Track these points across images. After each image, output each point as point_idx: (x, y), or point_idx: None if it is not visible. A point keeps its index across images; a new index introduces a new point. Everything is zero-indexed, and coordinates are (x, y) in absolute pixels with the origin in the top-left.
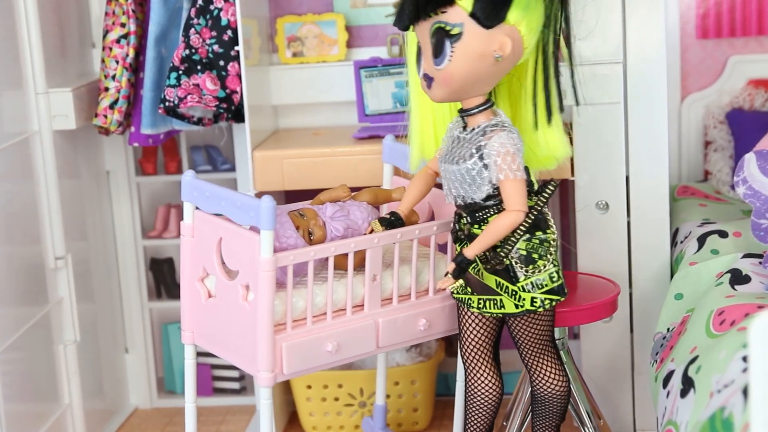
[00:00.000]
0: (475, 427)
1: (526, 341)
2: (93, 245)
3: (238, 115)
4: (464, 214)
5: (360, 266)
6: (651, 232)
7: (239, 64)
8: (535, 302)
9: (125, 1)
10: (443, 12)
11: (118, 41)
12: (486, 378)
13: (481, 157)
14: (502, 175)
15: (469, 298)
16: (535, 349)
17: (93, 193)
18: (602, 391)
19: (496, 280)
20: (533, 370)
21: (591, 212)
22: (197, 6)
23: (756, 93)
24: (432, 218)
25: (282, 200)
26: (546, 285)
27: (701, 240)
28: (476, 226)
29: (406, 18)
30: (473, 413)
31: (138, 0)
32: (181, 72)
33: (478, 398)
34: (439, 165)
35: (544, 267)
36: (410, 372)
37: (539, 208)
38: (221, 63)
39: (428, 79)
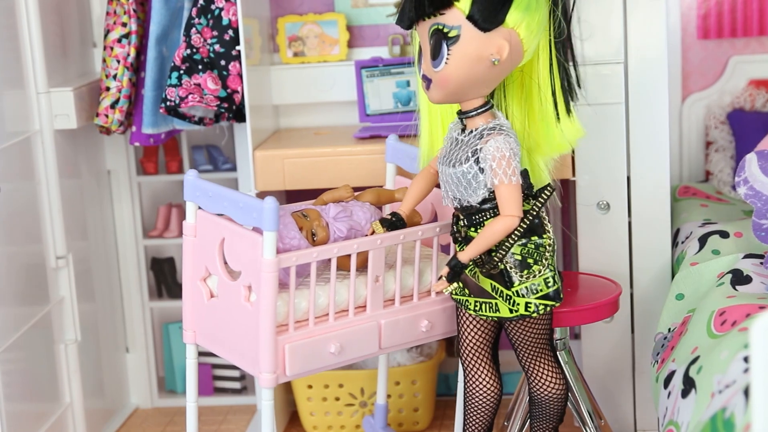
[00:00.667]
0: (474, 427)
1: (523, 345)
2: (94, 245)
3: (239, 115)
4: (461, 217)
5: (362, 267)
6: (652, 233)
7: (240, 63)
8: (530, 307)
9: (126, 1)
10: (442, 14)
11: (119, 41)
12: (485, 379)
13: (477, 161)
14: (497, 180)
15: (467, 300)
16: (533, 353)
17: (94, 192)
18: (603, 391)
19: (491, 284)
20: (531, 373)
21: (592, 212)
22: (198, 5)
23: (757, 93)
24: (435, 219)
25: (283, 200)
26: (541, 290)
27: (702, 240)
28: (473, 229)
29: (406, 18)
30: (472, 413)
31: (139, 0)
32: (182, 71)
33: (477, 399)
34: (438, 167)
35: (539, 272)
36: (411, 372)
37: (535, 213)
38: (222, 62)
39: (427, 80)
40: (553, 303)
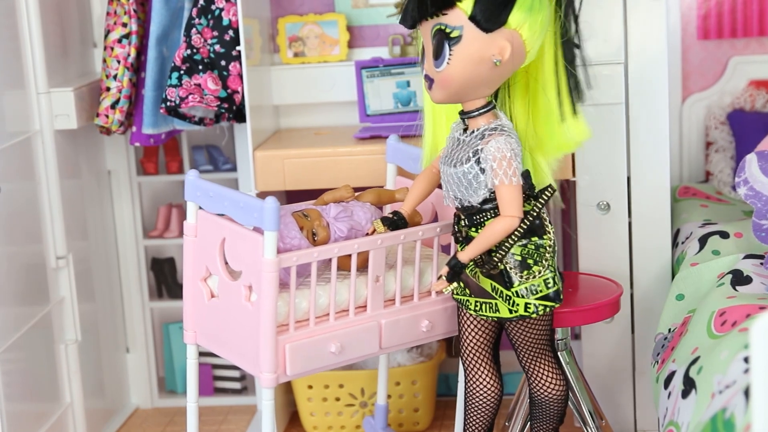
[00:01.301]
0: (474, 427)
1: (523, 345)
2: (94, 245)
3: (239, 115)
4: (462, 217)
5: (363, 267)
6: (652, 233)
7: (241, 64)
8: (529, 308)
9: (127, 1)
10: (444, 14)
11: (119, 41)
12: (485, 379)
13: (478, 161)
14: (497, 181)
15: (468, 300)
16: (533, 353)
17: (94, 192)
18: (603, 391)
19: (491, 284)
20: (531, 373)
21: (592, 213)
22: (199, 6)
23: (757, 94)
24: (435, 219)
25: (283, 200)
26: (541, 291)
27: (702, 241)
28: (473, 229)
29: (410, 18)
30: (473, 414)
31: (139, 0)
32: (182, 72)
33: (478, 399)
34: (440, 167)
35: (539, 273)
36: (411, 372)
37: (535, 214)
38: (223, 63)
39: (429, 80)
40: (553, 304)
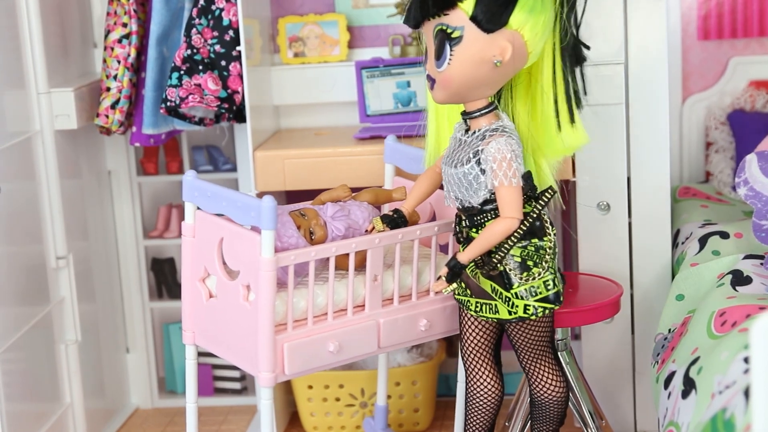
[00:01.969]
0: (475, 427)
1: (523, 346)
2: (94, 245)
3: (239, 115)
4: (463, 217)
5: (361, 266)
6: (652, 233)
7: (241, 64)
8: (528, 309)
9: (127, 1)
10: (446, 14)
11: (119, 41)
12: (486, 379)
13: (478, 162)
14: (497, 182)
15: (468, 301)
16: (533, 355)
17: (94, 192)
18: (603, 391)
19: (491, 285)
20: (531, 375)
21: (592, 213)
22: (199, 6)
23: (757, 94)
24: (433, 219)
25: (283, 200)
26: (540, 293)
27: (702, 241)
28: (474, 229)
29: (412, 18)
30: (473, 414)
31: (140, 0)
32: (182, 72)
33: (478, 399)
34: (441, 167)
35: (539, 274)
36: (411, 372)
37: (536, 215)
38: (223, 63)
39: (431, 80)
40: (553, 306)
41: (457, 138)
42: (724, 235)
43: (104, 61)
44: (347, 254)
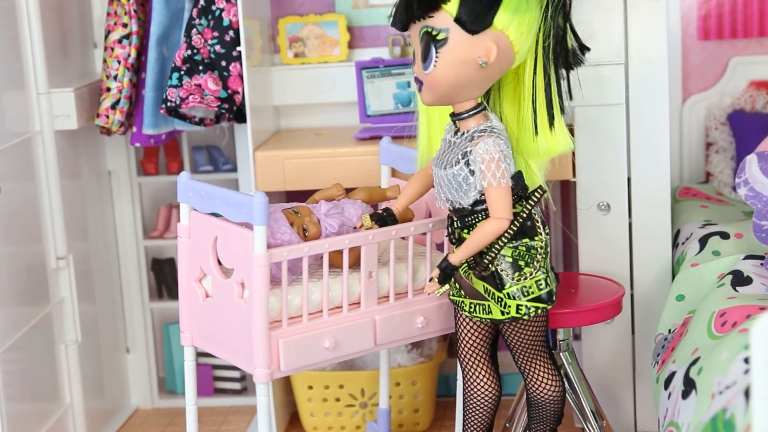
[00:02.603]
0: (474, 428)
1: (518, 346)
2: (94, 245)
3: (239, 116)
4: (455, 218)
5: (356, 264)
6: (652, 234)
7: (241, 64)
8: (521, 309)
9: (127, 2)
10: (430, 16)
11: (119, 41)
12: (483, 380)
13: (467, 163)
14: (486, 183)
15: (462, 301)
16: (528, 354)
17: (94, 193)
18: (604, 392)
19: (484, 286)
20: (527, 374)
21: (592, 213)
22: (199, 6)
23: (757, 94)
24: (429, 218)
25: (283, 201)
26: (533, 292)
27: (703, 241)
28: (465, 230)
29: (398, 21)
30: (471, 415)
31: (140, 0)
32: (182, 72)
33: (476, 400)
34: (432, 169)
35: (531, 274)
36: (411, 373)
37: (525, 215)
38: (223, 63)
39: (418, 83)
40: (546, 305)
41: (447, 139)
42: (725, 236)
43: (104, 61)
44: (341, 252)
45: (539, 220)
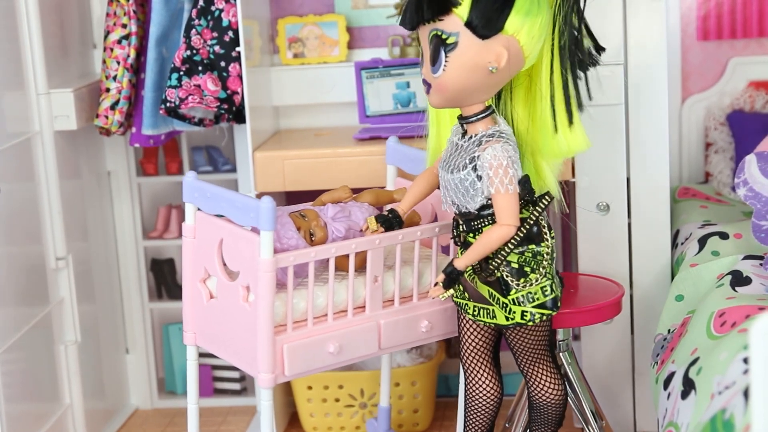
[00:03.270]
0: (474, 429)
1: (521, 351)
2: (94, 246)
3: (239, 116)
4: (461, 222)
5: (361, 267)
6: (652, 234)
7: (240, 65)
8: (525, 316)
9: (126, 2)
10: (441, 20)
11: (119, 42)
12: (485, 381)
13: (474, 168)
14: (493, 189)
15: (466, 304)
16: (531, 359)
17: (94, 193)
18: (603, 392)
19: (489, 291)
20: (529, 378)
21: (592, 213)
22: (198, 7)
23: (757, 94)
24: (435, 220)
25: (283, 201)
26: (538, 299)
27: (702, 241)
28: (471, 234)
29: (408, 22)
30: (473, 415)
31: (139, 1)
32: (182, 73)
33: (478, 401)
34: (438, 171)
35: (536, 280)
36: (411, 373)
37: (533, 221)
38: (222, 64)
39: (427, 85)
40: (550, 312)
41: (454, 142)
42: (724, 236)
43: (104, 61)
44: (347, 255)
45: (546, 225)
